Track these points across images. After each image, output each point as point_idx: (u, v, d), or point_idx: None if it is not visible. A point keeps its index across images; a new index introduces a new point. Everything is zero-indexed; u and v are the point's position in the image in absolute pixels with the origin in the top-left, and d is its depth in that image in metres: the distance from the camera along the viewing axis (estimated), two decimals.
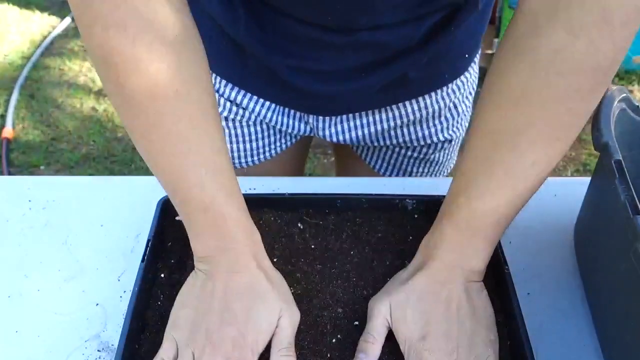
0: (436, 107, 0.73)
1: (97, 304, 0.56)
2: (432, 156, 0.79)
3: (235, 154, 0.79)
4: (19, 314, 0.55)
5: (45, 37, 2.53)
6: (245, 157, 0.79)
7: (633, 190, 0.44)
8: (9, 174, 1.91)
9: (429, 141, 0.76)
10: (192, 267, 0.56)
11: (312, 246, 0.58)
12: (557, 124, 0.46)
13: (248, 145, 0.78)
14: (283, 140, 0.79)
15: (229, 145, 0.77)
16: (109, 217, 0.64)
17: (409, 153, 0.79)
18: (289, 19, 0.60)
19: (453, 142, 0.79)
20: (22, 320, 0.55)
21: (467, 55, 0.71)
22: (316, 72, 0.65)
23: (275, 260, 0.57)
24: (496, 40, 2.29)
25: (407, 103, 0.71)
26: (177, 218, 0.60)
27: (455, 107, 0.75)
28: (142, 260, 0.53)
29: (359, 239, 0.59)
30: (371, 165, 0.83)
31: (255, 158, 0.80)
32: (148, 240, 0.55)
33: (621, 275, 0.46)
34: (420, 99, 0.71)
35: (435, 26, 0.62)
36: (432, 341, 0.47)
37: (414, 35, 0.61)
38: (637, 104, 0.54)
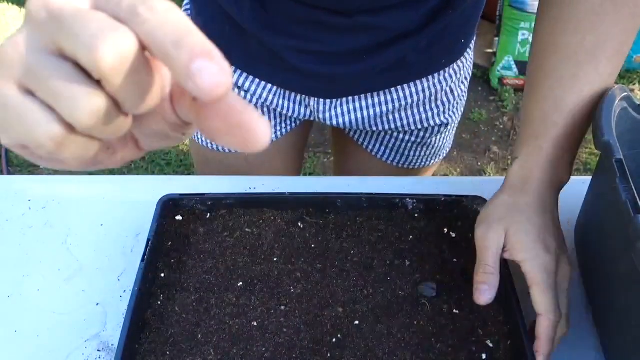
0: (433, 91, 0.74)
1: (97, 304, 0.56)
2: (429, 140, 0.81)
3: None
4: (19, 313, 0.55)
5: None
6: None
7: (634, 190, 0.44)
8: (9, 173, 1.90)
9: (425, 125, 0.78)
10: (192, 267, 0.56)
11: (313, 246, 0.58)
12: (629, 37, 0.52)
13: None
14: (283, 125, 0.81)
15: None
16: (109, 217, 0.64)
17: (407, 137, 0.80)
18: (292, 2, 0.60)
19: (449, 127, 0.81)
20: (21, 319, 0.55)
21: (463, 41, 0.73)
22: (317, 53, 0.66)
23: (275, 259, 0.57)
24: (496, 39, 2.28)
25: (405, 86, 0.73)
26: (177, 218, 0.60)
27: (452, 91, 0.77)
28: (142, 260, 0.53)
29: (359, 239, 0.59)
30: (369, 150, 0.84)
31: None
32: (148, 240, 0.55)
33: (622, 275, 0.46)
34: (418, 82, 0.73)
35: (434, 10, 0.63)
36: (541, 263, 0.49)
37: (413, 18, 0.63)
38: (638, 103, 0.54)
